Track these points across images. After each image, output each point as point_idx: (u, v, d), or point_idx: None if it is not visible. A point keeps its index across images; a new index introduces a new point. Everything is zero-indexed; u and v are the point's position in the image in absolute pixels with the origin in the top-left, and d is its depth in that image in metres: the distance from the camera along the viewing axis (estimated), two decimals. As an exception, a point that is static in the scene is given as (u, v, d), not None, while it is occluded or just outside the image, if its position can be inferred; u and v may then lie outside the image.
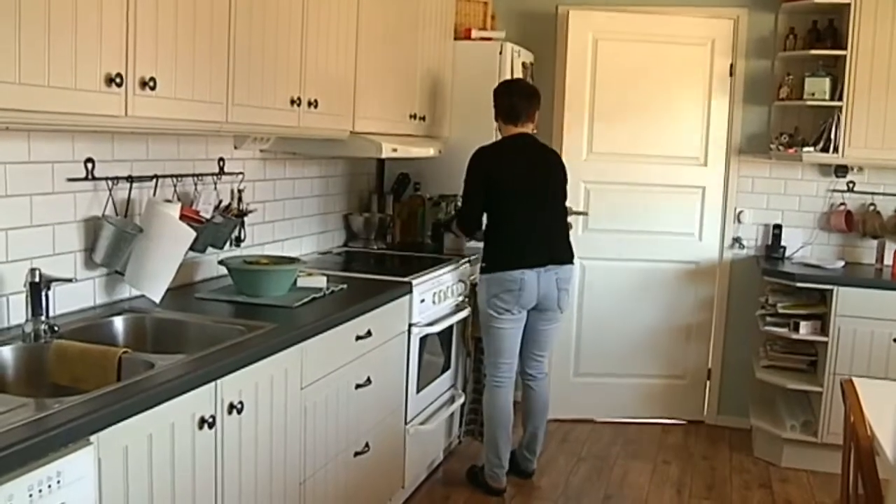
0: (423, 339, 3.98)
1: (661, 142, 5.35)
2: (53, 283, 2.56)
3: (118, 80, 2.27)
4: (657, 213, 5.40)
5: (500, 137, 4.27)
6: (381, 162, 5.12)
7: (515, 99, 4.20)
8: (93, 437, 1.88)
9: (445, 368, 4.42)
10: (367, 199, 4.99)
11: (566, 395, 5.37)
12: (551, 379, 4.70)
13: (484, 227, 4.22)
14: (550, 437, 5.09)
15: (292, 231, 4.19)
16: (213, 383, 2.35)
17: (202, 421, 2.31)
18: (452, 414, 4.53)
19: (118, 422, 1.97)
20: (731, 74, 5.28)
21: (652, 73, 5.29)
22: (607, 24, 5.26)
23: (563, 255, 4.24)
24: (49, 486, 1.74)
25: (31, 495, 1.70)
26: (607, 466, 4.77)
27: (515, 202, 4.11)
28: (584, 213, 5.38)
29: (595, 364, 5.45)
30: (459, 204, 4.43)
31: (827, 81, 4.86)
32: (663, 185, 5.37)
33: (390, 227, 4.92)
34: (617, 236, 5.40)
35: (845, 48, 4.74)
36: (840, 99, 4.78)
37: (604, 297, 5.39)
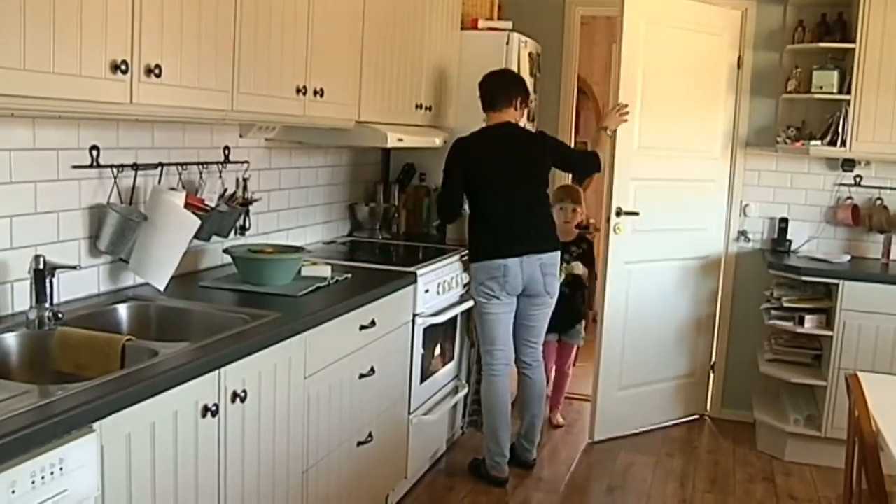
0: (426, 330, 3.98)
1: (683, 135, 5.09)
2: (58, 271, 2.56)
3: (123, 67, 2.27)
4: (678, 209, 5.12)
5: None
6: (386, 152, 5.11)
7: (491, 85, 4.27)
8: (96, 425, 1.88)
9: (449, 359, 4.41)
10: (372, 189, 4.98)
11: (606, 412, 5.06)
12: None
13: (467, 215, 4.29)
14: (554, 429, 5.10)
15: (297, 220, 4.19)
16: (216, 371, 2.35)
17: (205, 409, 2.31)
18: (456, 405, 4.53)
19: (121, 409, 1.97)
20: (739, 67, 5.25)
21: (681, 64, 5.00)
22: (659, 8, 4.90)
23: (547, 242, 4.26)
24: (52, 474, 1.74)
25: (33, 482, 1.70)
26: (610, 459, 4.76)
27: (494, 191, 4.16)
28: (636, 214, 4.92)
29: (616, 379, 5.08)
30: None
31: (835, 74, 4.84)
32: (678, 179, 5.13)
33: (395, 218, 4.91)
34: (655, 236, 5.03)
35: (854, 41, 4.71)
36: (848, 92, 4.76)
37: (621, 303, 5.01)
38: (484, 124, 4.30)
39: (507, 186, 4.15)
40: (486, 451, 4.32)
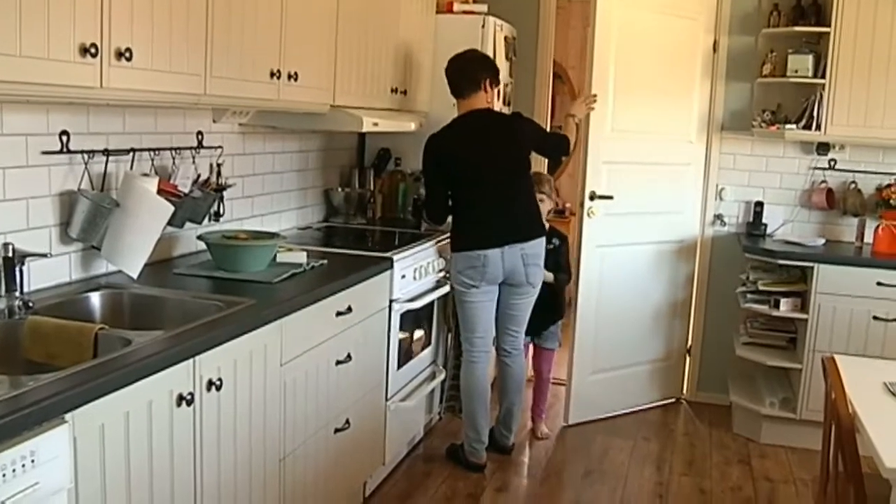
0: (403, 316, 3.96)
1: (658, 118, 5.10)
2: (28, 258, 2.52)
3: (93, 50, 2.22)
4: (651, 192, 5.12)
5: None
6: (361, 136, 5.07)
7: (455, 71, 4.15)
8: (68, 416, 1.85)
9: (426, 345, 4.40)
10: (347, 175, 4.94)
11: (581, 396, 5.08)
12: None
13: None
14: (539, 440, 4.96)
15: (272, 206, 4.15)
16: (191, 360, 2.32)
17: (180, 398, 2.28)
18: (433, 390, 4.52)
19: (94, 399, 1.93)
20: (714, 51, 5.25)
21: (655, 47, 5.01)
22: None
23: (528, 230, 4.17)
24: (23, 466, 1.70)
25: (3, 475, 1.66)
26: (587, 443, 4.77)
27: (471, 183, 4.10)
28: (610, 198, 4.92)
29: (590, 362, 5.09)
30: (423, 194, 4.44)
31: (810, 59, 4.85)
32: (658, 163, 5.14)
33: (371, 203, 4.88)
34: (625, 219, 5.02)
35: (829, 25, 4.72)
36: (823, 76, 4.77)
37: (596, 284, 5.02)
38: (455, 112, 4.24)
39: (485, 178, 4.09)
40: (464, 436, 4.31)
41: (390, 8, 4.27)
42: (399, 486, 4.08)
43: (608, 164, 4.92)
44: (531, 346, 4.90)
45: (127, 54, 2.35)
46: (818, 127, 4.80)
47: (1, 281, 2.43)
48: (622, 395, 5.27)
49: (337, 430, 3.37)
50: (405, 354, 4.08)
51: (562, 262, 4.70)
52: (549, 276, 4.53)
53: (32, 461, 1.73)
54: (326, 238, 4.33)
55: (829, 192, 5.12)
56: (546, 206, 4.56)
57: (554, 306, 4.75)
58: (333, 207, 4.75)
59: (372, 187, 4.92)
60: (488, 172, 4.10)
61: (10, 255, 2.43)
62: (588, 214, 4.87)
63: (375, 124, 3.93)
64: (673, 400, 5.53)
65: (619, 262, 5.05)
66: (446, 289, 4.31)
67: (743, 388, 5.11)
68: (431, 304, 4.29)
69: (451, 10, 4.86)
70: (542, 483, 4.25)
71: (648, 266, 5.22)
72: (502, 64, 4.99)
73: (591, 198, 4.86)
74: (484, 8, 4.89)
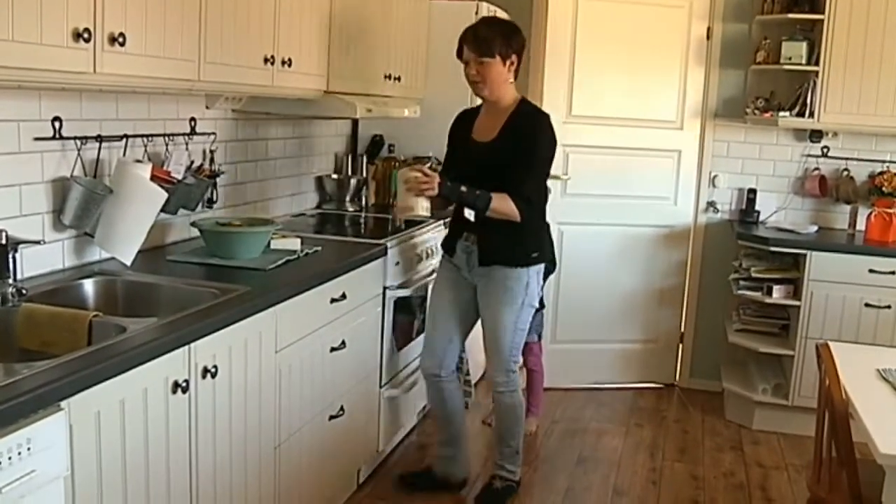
0: (397, 303, 3.95)
1: (639, 105, 5.30)
2: (21, 245, 2.50)
3: (86, 35, 2.20)
4: (635, 178, 5.35)
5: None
6: (355, 123, 5.06)
7: (458, 51, 3.55)
8: (63, 403, 1.84)
9: (419, 331, 4.39)
10: (340, 161, 4.93)
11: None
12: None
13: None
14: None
15: (265, 192, 4.13)
16: (185, 347, 2.31)
17: (175, 385, 2.27)
18: (427, 377, 4.52)
19: (90, 387, 1.93)
20: (707, 38, 5.25)
21: (631, 35, 5.21)
22: None
23: (487, 254, 3.57)
24: (19, 454, 1.70)
25: None
26: (581, 430, 4.79)
27: (454, 176, 3.52)
28: (564, 177, 5.32)
29: (571, 331, 5.40)
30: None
31: (804, 46, 4.85)
32: (641, 148, 5.32)
33: (364, 189, 4.87)
34: (594, 201, 5.35)
35: (823, 13, 4.72)
36: (816, 64, 4.77)
37: (581, 262, 5.32)
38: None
39: (466, 174, 3.51)
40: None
41: (384, -6, 4.26)
42: (392, 473, 4.08)
43: (569, 146, 5.17)
44: None
45: (120, 39, 2.33)
46: (811, 114, 4.81)
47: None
48: (597, 370, 5.50)
49: (331, 417, 3.36)
50: (399, 341, 4.08)
51: None
52: None
53: (29, 449, 1.72)
54: (320, 225, 4.32)
55: (822, 179, 5.13)
56: None
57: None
58: (327, 194, 4.74)
59: (365, 174, 4.91)
60: (467, 169, 3.61)
61: (4, 242, 2.41)
62: None
63: (369, 110, 3.92)
64: (664, 386, 5.55)
65: (582, 240, 5.33)
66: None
67: (735, 374, 5.12)
68: (425, 291, 4.28)
69: (444, -4, 4.85)
70: (536, 470, 4.26)
71: (620, 248, 5.42)
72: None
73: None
74: (477, -6, 4.87)
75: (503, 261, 3.54)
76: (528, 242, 3.57)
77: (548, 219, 3.81)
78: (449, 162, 3.78)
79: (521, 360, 3.80)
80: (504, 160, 3.44)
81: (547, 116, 3.54)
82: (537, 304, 3.71)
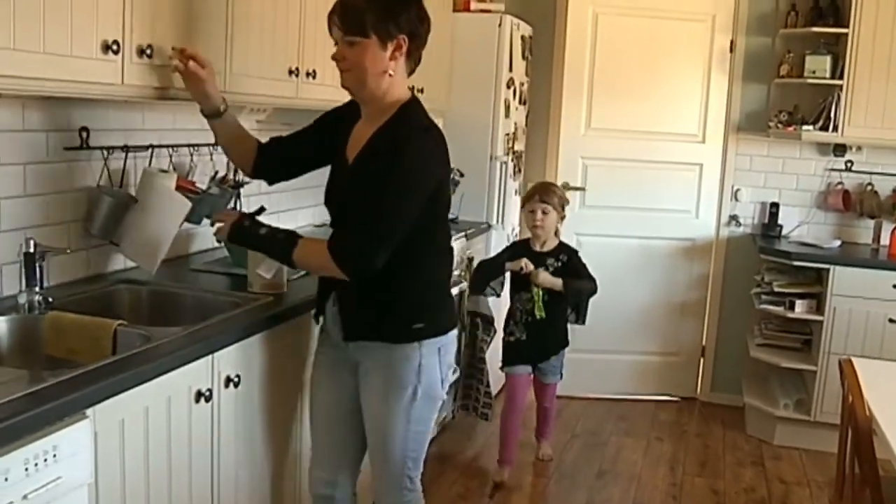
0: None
1: (659, 118, 5.33)
2: (48, 254, 2.53)
3: (115, 47, 2.22)
4: (656, 190, 5.37)
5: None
6: (377, 134, 5.06)
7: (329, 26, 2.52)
8: (89, 411, 1.86)
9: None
10: (363, 172, 4.94)
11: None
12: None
13: None
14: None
15: (288, 203, 4.15)
16: (209, 356, 2.32)
17: (199, 394, 2.29)
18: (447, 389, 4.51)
19: (114, 395, 1.95)
20: (731, 51, 5.25)
21: (652, 48, 5.25)
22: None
23: (351, 324, 2.57)
24: (45, 461, 1.72)
25: (26, 469, 1.67)
26: (601, 443, 4.77)
27: (445, 219, 2.68)
28: (582, 189, 5.35)
29: (590, 340, 5.35)
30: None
31: (828, 60, 4.83)
32: (661, 161, 5.34)
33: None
34: (614, 213, 5.39)
35: (847, 26, 4.71)
36: (841, 77, 4.76)
37: (600, 274, 5.24)
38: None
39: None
40: None
41: (407, 6, 4.27)
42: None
43: (588, 159, 5.33)
44: (530, 379, 4.33)
45: (148, 51, 2.35)
46: (835, 128, 4.79)
47: (21, 276, 2.44)
48: (616, 381, 5.50)
49: (352, 428, 3.36)
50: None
51: (581, 273, 4.19)
52: (558, 283, 4.09)
53: (54, 456, 1.74)
54: (342, 236, 4.32)
55: (846, 193, 5.10)
56: (551, 221, 4.15)
57: (561, 331, 4.29)
58: (349, 205, 4.75)
59: (387, 185, 4.89)
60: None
61: (32, 250, 2.44)
62: None
63: (392, 122, 3.92)
64: (685, 399, 5.53)
65: (602, 251, 5.22)
66: (462, 286, 4.30)
67: (757, 389, 5.09)
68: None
69: (468, 9, 4.86)
70: (555, 483, 4.25)
71: (641, 260, 5.43)
72: (519, 63, 5.00)
73: (564, 188, 5.09)
74: (501, 6, 4.90)
75: (372, 334, 2.52)
76: (406, 308, 2.53)
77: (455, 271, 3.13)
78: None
79: (421, 470, 2.70)
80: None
81: (427, 131, 2.46)
82: (443, 394, 2.66)
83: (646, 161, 5.33)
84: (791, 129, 4.96)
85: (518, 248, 4.30)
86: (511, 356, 4.28)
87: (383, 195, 2.36)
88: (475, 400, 4.42)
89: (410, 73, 2.53)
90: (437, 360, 2.57)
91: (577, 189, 5.33)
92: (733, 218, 5.39)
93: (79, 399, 1.83)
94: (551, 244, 4.21)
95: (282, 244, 2.47)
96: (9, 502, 1.64)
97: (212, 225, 2.62)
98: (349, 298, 2.54)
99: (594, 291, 4.20)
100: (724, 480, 4.36)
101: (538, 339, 4.20)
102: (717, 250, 5.44)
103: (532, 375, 4.32)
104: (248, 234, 2.51)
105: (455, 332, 2.67)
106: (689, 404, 5.50)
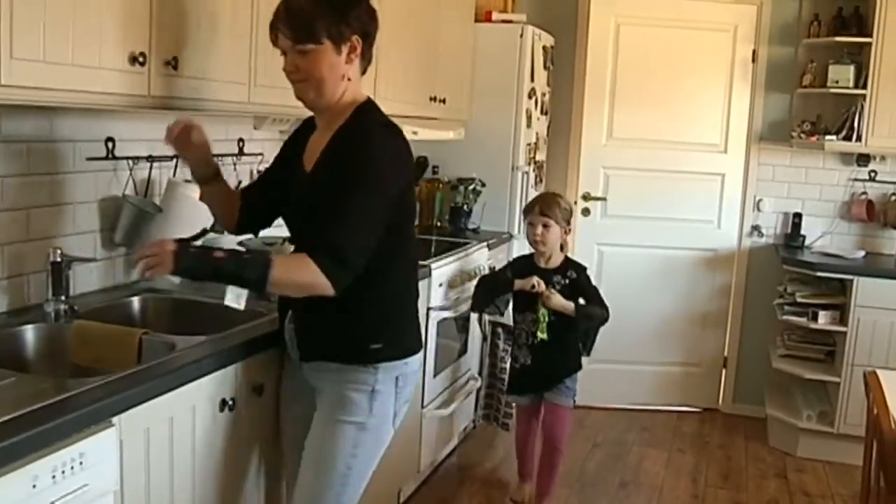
0: (440, 323, 3.96)
1: (681, 128, 5.32)
2: (74, 263, 2.55)
3: (141, 59, 2.25)
4: (677, 200, 5.36)
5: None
6: (399, 144, 5.08)
7: (273, 36, 2.35)
8: (115, 419, 1.88)
9: (462, 353, 4.40)
10: (384, 182, 4.95)
11: (582, 382, 5.24)
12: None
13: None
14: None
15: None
16: (233, 365, 2.33)
17: (223, 403, 2.30)
18: (468, 398, 4.52)
19: (140, 404, 1.96)
20: (753, 61, 5.23)
21: (673, 58, 5.25)
22: (630, 8, 5.24)
23: (307, 343, 2.40)
24: (72, 468, 1.73)
25: (53, 476, 1.69)
26: (623, 453, 4.75)
27: (411, 235, 2.55)
28: (604, 199, 5.35)
29: (612, 351, 5.31)
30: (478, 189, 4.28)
31: (851, 69, 4.81)
32: (683, 171, 5.34)
33: (407, 210, 4.87)
34: (636, 223, 5.38)
35: (871, 35, 4.68)
36: (864, 87, 4.74)
37: (621, 284, 5.28)
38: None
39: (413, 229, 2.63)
40: None
41: (430, 17, 4.29)
42: (433, 494, 4.08)
43: (609, 169, 5.35)
44: (540, 406, 4.01)
45: (173, 63, 2.38)
46: (858, 138, 4.77)
47: (48, 285, 2.47)
48: (637, 391, 5.48)
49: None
50: (441, 362, 4.09)
51: (590, 294, 3.88)
52: (570, 307, 3.80)
53: (81, 463, 1.76)
54: (364, 245, 4.34)
55: (870, 203, 5.07)
56: (553, 235, 3.85)
57: (572, 353, 3.93)
58: (370, 215, 4.76)
59: (408, 195, 4.91)
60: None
61: (59, 259, 2.47)
62: (582, 213, 5.29)
63: (415, 133, 3.94)
64: (706, 410, 5.50)
65: (623, 261, 5.37)
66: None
67: (779, 400, 5.06)
68: (468, 312, 4.29)
69: (489, 19, 4.87)
70: (577, 493, 4.23)
71: (662, 270, 5.42)
72: (540, 73, 5.01)
73: (585, 198, 5.26)
74: (523, 17, 4.91)
75: (326, 355, 2.34)
76: (363, 326, 2.32)
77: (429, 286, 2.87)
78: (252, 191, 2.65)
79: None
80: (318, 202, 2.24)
81: (388, 129, 2.31)
82: (392, 431, 2.43)
83: (668, 171, 5.33)
84: (814, 138, 4.94)
85: (521, 264, 4.01)
86: (516, 384, 4.02)
87: (353, 191, 2.16)
88: (496, 410, 4.41)
89: (363, 72, 2.38)
90: (394, 390, 2.36)
91: (598, 199, 5.34)
92: (756, 228, 5.36)
93: (105, 407, 1.85)
94: (557, 260, 3.89)
95: (254, 266, 2.12)
96: (36, 509, 1.66)
97: (136, 263, 2.14)
98: (305, 316, 2.35)
99: (605, 320, 3.86)
100: (747, 493, 4.34)
101: (545, 364, 3.87)
102: (739, 261, 5.42)
103: (541, 403, 3.99)
104: (202, 261, 2.13)
105: (418, 358, 2.44)
106: (712, 415, 5.47)
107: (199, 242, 2.36)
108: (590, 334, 3.92)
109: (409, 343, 2.43)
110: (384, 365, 2.31)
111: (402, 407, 2.43)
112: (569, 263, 3.92)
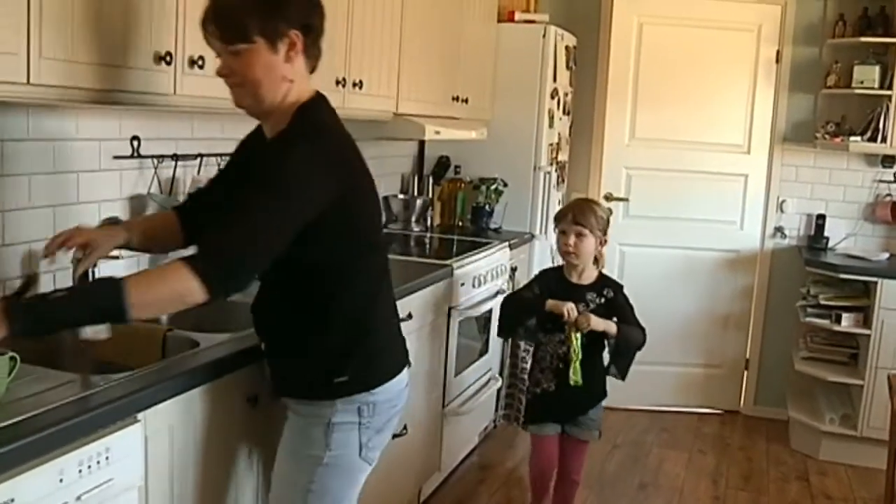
0: (461, 323, 3.97)
1: (704, 129, 5.31)
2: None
3: (168, 58, 2.27)
4: (699, 201, 5.35)
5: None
6: (421, 144, 5.11)
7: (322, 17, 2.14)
8: (140, 415, 1.90)
9: (483, 353, 4.41)
10: (407, 182, 4.98)
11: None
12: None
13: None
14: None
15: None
16: (257, 363, 2.35)
17: (247, 399, 2.31)
18: (489, 398, 4.52)
19: (165, 400, 1.98)
20: (777, 61, 5.21)
21: (697, 58, 5.25)
22: (653, 7, 5.23)
23: (276, 377, 2.28)
24: (98, 463, 1.75)
25: (80, 471, 1.71)
26: (643, 454, 4.75)
27: (376, 245, 2.36)
28: (626, 199, 5.34)
29: None
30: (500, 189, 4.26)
31: (877, 69, 4.78)
32: (706, 172, 5.32)
33: (430, 210, 4.90)
34: (658, 223, 5.38)
35: (896, 36, 4.66)
36: (890, 88, 4.71)
37: (643, 284, 5.17)
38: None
39: (381, 238, 2.50)
40: None
41: (453, 17, 4.30)
42: (454, 493, 4.09)
43: (632, 169, 5.36)
44: (557, 438, 3.59)
45: (199, 62, 2.40)
46: (884, 139, 4.75)
47: (74, 282, 2.48)
48: (658, 392, 5.43)
49: (395, 436, 3.36)
50: (463, 362, 4.09)
51: (627, 315, 3.49)
52: (613, 329, 3.40)
53: (107, 458, 1.78)
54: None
55: (894, 205, 5.04)
56: (588, 247, 3.45)
57: (598, 381, 3.54)
58: (392, 214, 4.78)
59: (431, 195, 4.95)
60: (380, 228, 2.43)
61: (85, 256, 2.48)
62: None
63: (437, 132, 3.96)
64: (727, 412, 5.48)
65: (644, 261, 5.35)
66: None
67: (802, 403, 5.03)
68: (490, 311, 4.29)
69: (512, 19, 4.88)
70: (597, 494, 4.23)
71: (683, 270, 5.41)
72: (563, 73, 5.01)
73: (607, 198, 5.24)
74: (545, 17, 4.91)
75: (293, 391, 2.22)
76: (327, 358, 2.15)
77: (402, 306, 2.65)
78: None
79: None
80: None
81: (318, 134, 2.07)
82: (364, 464, 2.25)
83: (690, 171, 5.32)
84: (838, 139, 4.91)
85: (548, 278, 3.58)
86: (537, 412, 3.56)
87: (256, 193, 1.94)
88: (517, 410, 4.39)
89: (312, 70, 2.11)
90: (357, 421, 2.15)
91: (620, 199, 5.33)
92: (778, 229, 5.34)
93: (130, 403, 1.87)
94: (590, 275, 3.48)
95: (104, 295, 1.82)
96: (63, 503, 1.67)
97: None
98: (270, 350, 2.23)
99: (643, 344, 3.49)
100: (769, 495, 4.32)
101: (570, 391, 3.39)
102: (761, 262, 5.39)
103: (562, 434, 3.58)
104: (41, 311, 1.78)
105: (395, 382, 2.24)
106: (733, 417, 5.45)
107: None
108: (625, 358, 3.54)
109: (384, 369, 2.22)
110: (350, 399, 2.13)
111: (376, 436, 2.22)
112: (604, 280, 3.52)
